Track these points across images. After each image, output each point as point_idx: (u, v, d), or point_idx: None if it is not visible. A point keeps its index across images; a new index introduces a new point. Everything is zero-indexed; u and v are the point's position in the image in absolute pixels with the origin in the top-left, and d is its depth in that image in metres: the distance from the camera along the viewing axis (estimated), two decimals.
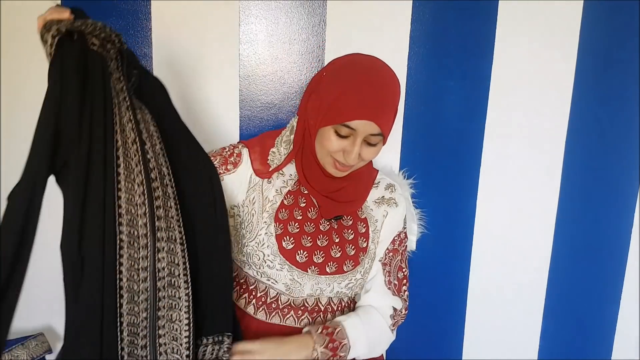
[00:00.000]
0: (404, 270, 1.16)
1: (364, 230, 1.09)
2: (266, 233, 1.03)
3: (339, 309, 1.11)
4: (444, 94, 1.37)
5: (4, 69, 1.33)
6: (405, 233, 1.17)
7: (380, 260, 1.12)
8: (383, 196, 1.14)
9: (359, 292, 1.13)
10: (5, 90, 1.34)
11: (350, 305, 1.16)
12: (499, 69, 1.35)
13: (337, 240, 1.06)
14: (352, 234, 1.07)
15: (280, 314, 1.06)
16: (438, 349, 1.52)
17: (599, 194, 1.44)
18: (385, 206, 1.13)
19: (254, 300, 1.06)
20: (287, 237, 1.03)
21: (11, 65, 1.33)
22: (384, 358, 1.48)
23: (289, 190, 1.07)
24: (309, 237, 1.04)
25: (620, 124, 1.40)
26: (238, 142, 1.12)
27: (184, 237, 0.89)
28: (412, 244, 1.37)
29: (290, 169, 1.08)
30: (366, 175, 1.12)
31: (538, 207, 1.44)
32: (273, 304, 1.06)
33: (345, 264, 1.05)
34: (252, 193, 1.06)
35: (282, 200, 1.05)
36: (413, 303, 1.47)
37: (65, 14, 0.82)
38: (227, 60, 1.33)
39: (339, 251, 1.05)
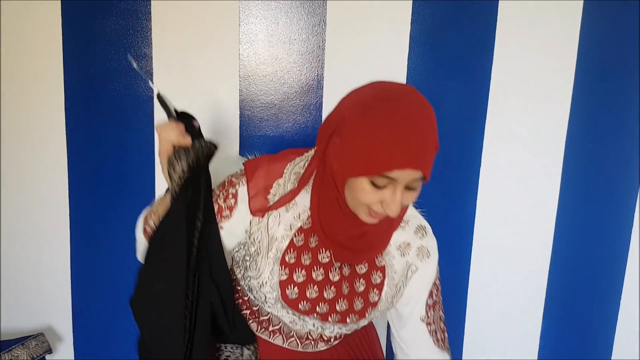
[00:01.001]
0: (442, 317, 1.04)
1: (378, 281, 0.95)
2: (270, 276, 0.93)
3: (342, 336, 1.04)
4: (444, 94, 1.37)
5: (4, 69, 1.33)
6: (439, 277, 1.03)
7: (422, 320, 0.99)
8: (409, 243, 0.97)
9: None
10: (6, 91, 1.34)
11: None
12: (499, 69, 1.35)
13: (345, 292, 0.94)
14: (363, 284, 0.95)
15: (284, 337, 1.00)
16: None
17: (599, 193, 1.43)
18: (414, 257, 0.97)
19: (256, 321, 1.01)
20: (291, 286, 0.92)
21: (11, 66, 1.33)
22: (385, 358, 1.48)
23: (300, 226, 0.93)
24: (315, 287, 0.93)
25: (620, 123, 1.40)
26: (241, 173, 0.97)
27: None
28: None
29: (305, 199, 0.93)
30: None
31: (538, 206, 1.44)
32: (276, 332, 1.00)
33: (349, 317, 0.95)
34: (255, 232, 0.94)
35: (292, 240, 0.93)
36: None
37: (188, 139, 0.86)
38: (227, 60, 1.33)
39: (345, 304, 0.94)
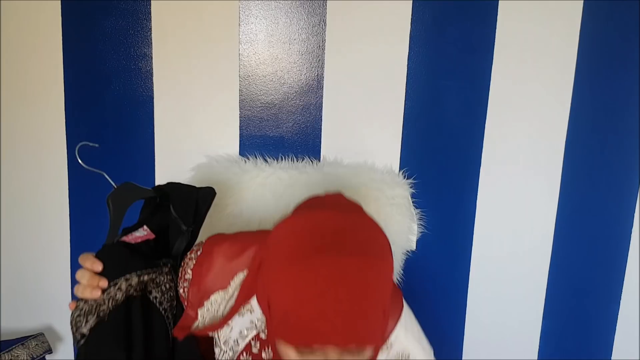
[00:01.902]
0: None
1: None
2: None
3: None
4: (444, 94, 1.37)
5: (4, 69, 1.33)
6: None
7: None
8: None
9: None
10: (5, 90, 1.34)
11: None
12: (499, 69, 1.35)
13: None
14: None
15: None
16: (438, 349, 1.52)
17: (599, 193, 1.43)
18: None
19: None
20: None
21: (11, 65, 1.33)
22: None
23: (257, 334, 0.81)
24: None
25: (620, 123, 1.40)
26: (192, 264, 0.86)
27: None
28: (412, 244, 1.37)
29: (244, 320, 0.83)
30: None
31: (538, 206, 1.44)
32: None
33: None
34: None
35: (248, 344, 0.82)
36: (413, 303, 1.46)
37: (95, 292, 0.76)
38: (227, 60, 1.33)
39: None
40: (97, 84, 1.34)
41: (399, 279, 1.37)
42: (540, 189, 1.43)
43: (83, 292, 0.77)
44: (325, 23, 1.32)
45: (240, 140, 1.37)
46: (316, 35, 1.32)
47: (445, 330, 1.50)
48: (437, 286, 1.47)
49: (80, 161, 0.86)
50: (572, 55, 1.35)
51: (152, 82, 1.34)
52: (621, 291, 1.49)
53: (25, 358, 1.31)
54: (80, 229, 1.42)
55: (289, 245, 0.66)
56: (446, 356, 1.52)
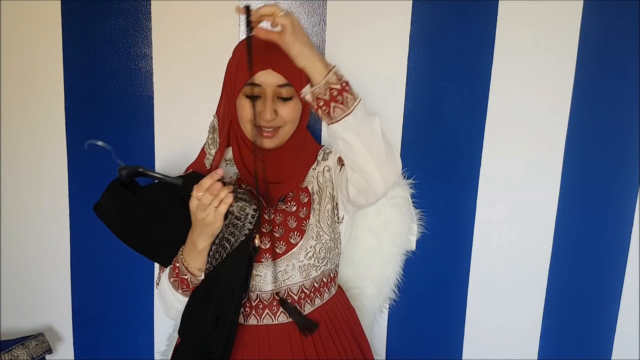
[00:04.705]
0: None
1: (305, 200, 1.07)
2: None
3: (316, 294, 1.08)
4: (444, 94, 1.37)
5: (4, 69, 1.33)
6: None
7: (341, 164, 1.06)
8: (318, 160, 1.12)
9: (328, 260, 1.08)
10: (6, 91, 1.34)
11: (329, 285, 1.12)
12: (499, 69, 1.35)
13: (279, 221, 1.05)
14: (294, 205, 1.06)
15: (255, 314, 1.04)
16: (438, 349, 1.52)
17: (599, 193, 1.43)
18: (323, 163, 1.11)
19: None
20: None
21: (11, 66, 1.33)
22: (384, 359, 1.49)
23: (240, 177, 1.08)
24: None
25: (620, 123, 1.40)
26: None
27: None
28: (412, 244, 1.37)
29: (230, 171, 1.09)
30: (306, 154, 1.10)
31: (538, 207, 1.44)
32: (246, 305, 1.04)
33: (290, 237, 1.04)
34: None
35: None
36: (413, 303, 1.46)
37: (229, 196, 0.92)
38: (227, 60, 1.33)
39: (282, 229, 1.04)
40: (97, 84, 1.34)
41: (399, 279, 1.37)
42: (541, 189, 1.43)
43: (226, 200, 0.90)
44: (325, 23, 1.32)
45: None
46: (316, 35, 1.32)
47: (445, 330, 1.50)
48: (437, 286, 1.47)
49: (87, 144, 0.97)
50: (572, 55, 1.35)
51: (152, 82, 1.34)
52: (621, 291, 1.49)
53: (25, 358, 1.31)
54: (80, 229, 1.42)
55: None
56: (446, 356, 1.52)
